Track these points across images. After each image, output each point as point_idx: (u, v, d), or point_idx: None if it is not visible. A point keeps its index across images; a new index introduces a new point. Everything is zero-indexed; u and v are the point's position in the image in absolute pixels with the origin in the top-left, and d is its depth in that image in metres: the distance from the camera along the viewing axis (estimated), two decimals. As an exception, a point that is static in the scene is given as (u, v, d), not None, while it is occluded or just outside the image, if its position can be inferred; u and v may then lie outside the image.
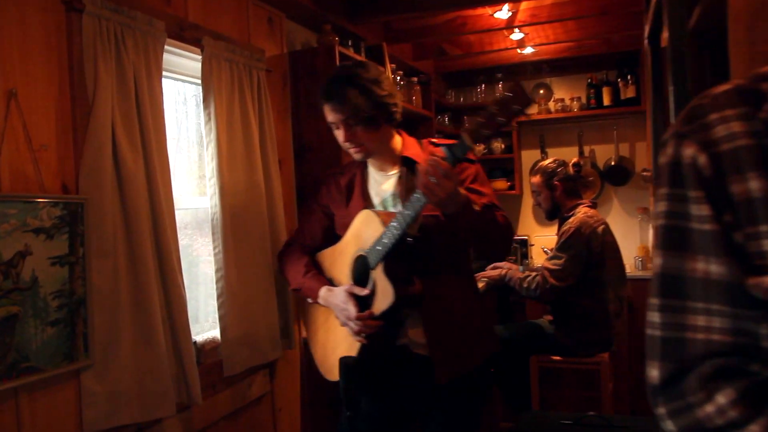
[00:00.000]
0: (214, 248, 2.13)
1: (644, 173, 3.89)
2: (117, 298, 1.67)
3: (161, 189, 1.81)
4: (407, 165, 1.81)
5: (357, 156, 1.83)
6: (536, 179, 3.23)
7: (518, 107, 1.44)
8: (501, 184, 4.57)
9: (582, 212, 3.11)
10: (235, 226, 2.19)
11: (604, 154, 4.44)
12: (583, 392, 3.42)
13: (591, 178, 4.28)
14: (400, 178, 1.82)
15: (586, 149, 4.47)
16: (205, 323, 2.32)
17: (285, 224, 2.47)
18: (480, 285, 3.38)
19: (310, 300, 1.99)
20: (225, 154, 2.17)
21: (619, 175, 4.34)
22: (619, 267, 3.15)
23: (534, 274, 3.08)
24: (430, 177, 1.48)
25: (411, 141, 1.90)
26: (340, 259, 1.91)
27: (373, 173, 1.91)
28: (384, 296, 1.68)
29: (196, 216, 2.37)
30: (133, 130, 1.75)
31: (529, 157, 4.65)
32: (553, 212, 3.26)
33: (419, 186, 1.52)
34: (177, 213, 2.03)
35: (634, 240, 4.31)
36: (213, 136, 2.14)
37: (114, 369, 1.65)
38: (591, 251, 3.00)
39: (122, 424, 1.67)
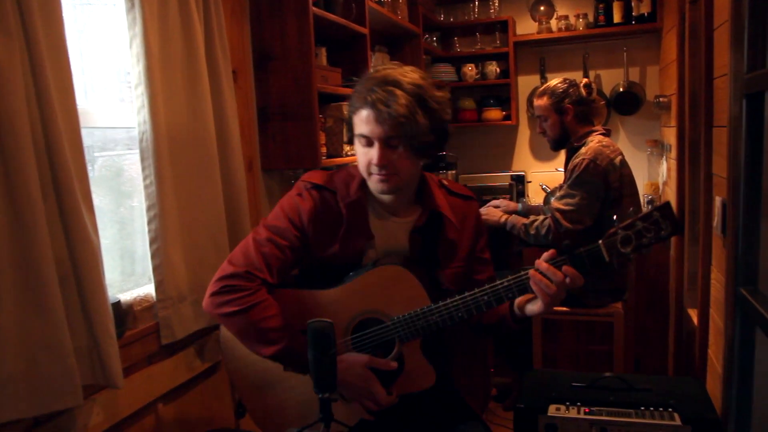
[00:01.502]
0: (144, 179, 1.62)
1: (660, 99, 3.42)
2: (-14, 246, 1.17)
3: (55, 93, 1.29)
4: (428, 215, 1.48)
5: (381, 186, 1.40)
6: (543, 102, 2.74)
7: (666, 233, 1.27)
8: (495, 113, 4.08)
9: (596, 141, 2.65)
10: (173, 151, 1.68)
11: (612, 79, 3.94)
12: (591, 347, 3.06)
13: (603, 102, 3.80)
14: (416, 233, 1.48)
15: (592, 74, 3.97)
16: (143, 278, 1.84)
17: (242, 152, 1.97)
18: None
19: (288, 369, 1.46)
20: (157, 55, 1.63)
21: (627, 103, 3.86)
22: (636, 204, 2.72)
23: (542, 217, 2.64)
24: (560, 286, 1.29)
25: (432, 179, 1.54)
26: (330, 310, 1.43)
27: (382, 213, 1.48)
28: (422, 378, 1.45)
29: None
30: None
31: (526, 83, 4.14)
32: (561, 141, 2.79)
33: (539, 291, 1.31)
34: (109, 134, 1.53)
35: (641, 176, 3.88)
36: (138, 29, 1.59)
37: (-14, 347, 1.17)
38: (608, 187, 2.56)
39: (4, 421, 1.20)
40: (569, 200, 2.54)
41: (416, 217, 1.49)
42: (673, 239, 3.27)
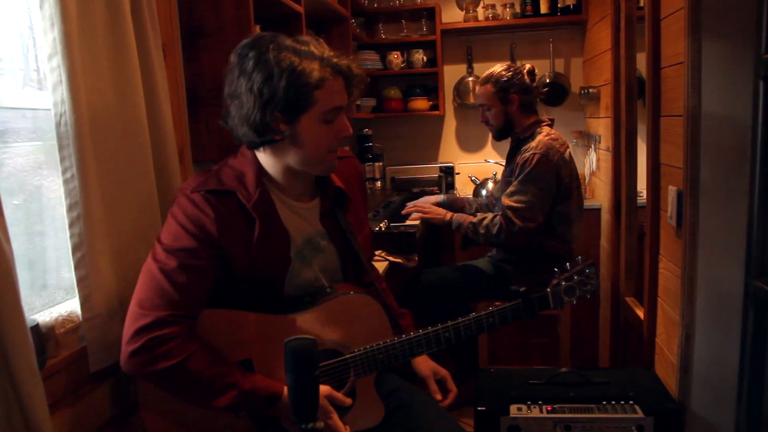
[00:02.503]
0: (64, 172, 1.32)
1: (589, 90, 3.45)
2: None
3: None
4: (331, 195, 1.44)
5: (335, 162, 1.36)
6: (486, 90, 2.64)
7: (592, 287, 1.52)
8: (422, 103, 3.96)
9: (544, 133, 2.58)
10: (97, 138, 1.39)
11: (538, 70, 3.88)
12: (531, 339, 3.04)
13: (546, 89, 3.77)
14: (326, 216, 1.43)
15: (518, 65, 3.95)
16: (58, 292, 1.50)
17: (174, 138, 1.69)
18: (415, 221, 2.81)
19: (242, 415, 1.29)
20: (75, 18, 1.33)
21: (553, 94, 3.87)
22: (580, 198, 2.70)
23: (491, 215, 2.52)
24: None
25: None
26: (287, 337, 1.24)
27: (287, 202, 1.38)
28: (371, 414, 1.42)
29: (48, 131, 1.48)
30: None
31: (452, 72, 4.05)
32: (505, 131, 2.70)
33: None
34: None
35: (567, 167, 3.92)
36: (52, -14, 1.29)
37: None
38: (560, 182, 2.50)
39: None
40: (521, 197, 2.44)
41: (317, 198, 1.43)
42: (607, 228, 3.32)
